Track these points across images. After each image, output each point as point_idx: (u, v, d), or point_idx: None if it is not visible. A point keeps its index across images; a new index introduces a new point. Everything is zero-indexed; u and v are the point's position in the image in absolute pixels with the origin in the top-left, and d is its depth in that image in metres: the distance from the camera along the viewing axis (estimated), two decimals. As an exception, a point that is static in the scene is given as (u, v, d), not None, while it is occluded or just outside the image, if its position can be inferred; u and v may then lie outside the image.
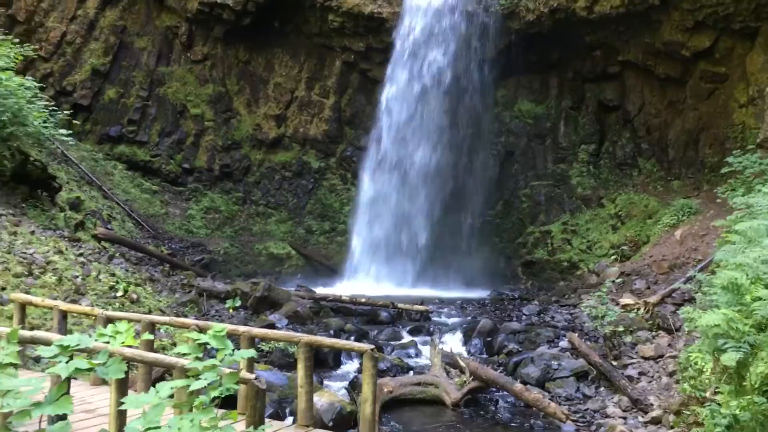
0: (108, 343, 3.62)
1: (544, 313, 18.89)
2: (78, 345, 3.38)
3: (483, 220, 28.43)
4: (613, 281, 16.31)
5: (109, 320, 7.76)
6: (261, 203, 30.23)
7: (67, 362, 3.25)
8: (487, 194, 28.50)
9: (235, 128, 30.85)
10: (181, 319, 8.10)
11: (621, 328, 12.69)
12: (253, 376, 5.01)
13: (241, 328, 7.13)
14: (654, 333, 13.21)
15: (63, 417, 4.47)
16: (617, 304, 15.20)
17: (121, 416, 5.14)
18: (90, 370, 3.34)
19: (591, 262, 24.39)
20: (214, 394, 4.12)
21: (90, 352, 3.77)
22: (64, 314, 8.13)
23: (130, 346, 3.78)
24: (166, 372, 10.78)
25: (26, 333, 5.38)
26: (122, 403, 5.04)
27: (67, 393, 3.19)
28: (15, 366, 3.59)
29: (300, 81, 30.97)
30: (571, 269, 25.34)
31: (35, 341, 5.44)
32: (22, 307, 8.39)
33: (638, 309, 14.20)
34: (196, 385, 4.04)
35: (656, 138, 26.78)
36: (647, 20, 24.49)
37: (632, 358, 12.16)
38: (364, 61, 30.01)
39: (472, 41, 27.85)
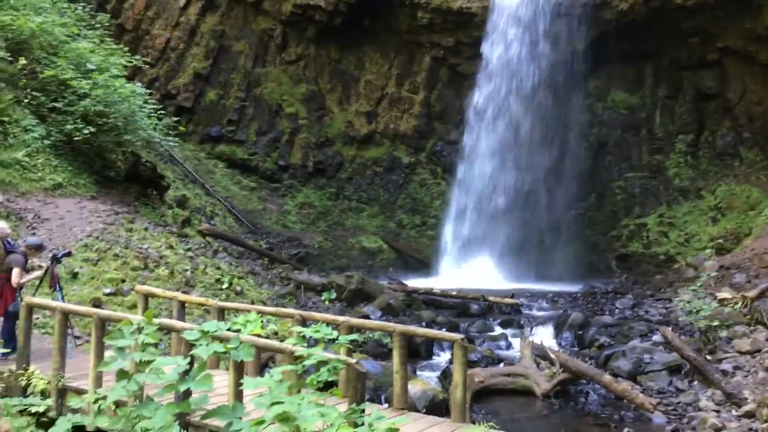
0: (239, 330, 4.20)
1: (637, 307, 18.69)
2: (216, 331, 3.98)
3: (575, 213, 28.15)
4: (710, 275, 15.98)
5: (222, 310, 8.51)
6: (353, 198, 31.03)
7: (207, 345, 3.84)
8: (579, 187, 28.18)
9: (327, 126, 31.78)
10: (285, 310, 8.77)
11: (716, 323, 12.54)
12: (354, 360, 5.53)
13: (341, 318, 7.71)
14: (752, 328, 12.95)
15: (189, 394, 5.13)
16: (714, 298, 14.93)
17: (238, 396, 5.77)
18: (225, 353, 3.93)
19: (689, 255, 23.80)
20: (324, 375, 4.65)
21: (222, 339, 4.35)
22: (182, 304, 8.98)
23: (257, 335, 4.33)
24: (270, 359, 11.58)
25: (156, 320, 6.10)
26: (241, 383, 5.69)
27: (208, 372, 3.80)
28: (155, 345, 4.24)
29: (390, 78, 31.55)
30: (667, 263, 24.80)
31: (163, 327, 6.16)
32: (146, 297, 9.30)
33: (736, 303, 13.92)
34: (309, 362, 4.57)
35: (759, 126, 25.73)
36: (747, 5, 23.57)
37: (727, 352, 12.01)
38: (453, 56, 30.26)
39: (563, 32, 27.61)
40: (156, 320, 6.09)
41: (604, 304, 19.86)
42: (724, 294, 14.77)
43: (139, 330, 4.16)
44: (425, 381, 11.85)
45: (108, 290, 13.40)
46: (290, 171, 31.22)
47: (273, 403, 3.87)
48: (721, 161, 26.24)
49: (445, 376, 12.09)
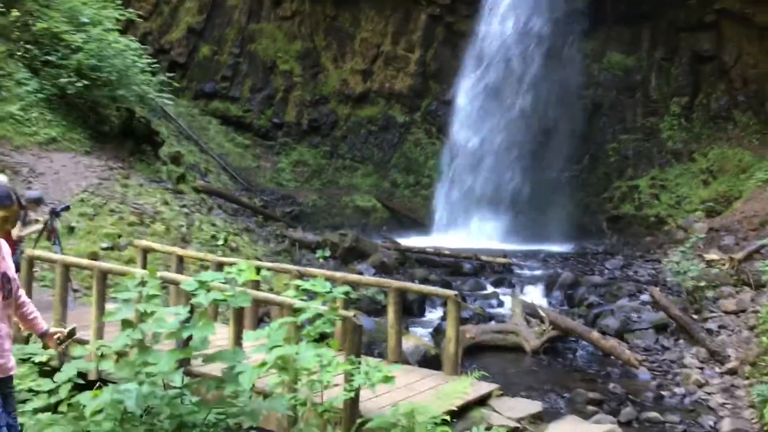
0: (233, 279, 4.34)
1: (627, 268, 18.99)
2: (213, 280, 4.12)
3: (569, 175, 28.28)
4: (699, 237, 16.22)
5: (220, 265, 8.65)
6: (347, 157, 31.04)
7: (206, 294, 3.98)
8: (573, 148, 28.26)
9: (322, 83, 31.60)
10: (283, 265, 8.92)
11: (703, 283, 12.80)
12: (351, 313, 5.70)
13: (338, 274, 7.88)
14: (738, 289, 13.24)
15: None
16: (703, 259, 15.19)
17: (237, 345, 5.94)
18: (223, 300, 4.07)
19: (680, 217, 24.03)
20: (322, 327, 4.81)
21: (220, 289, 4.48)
22: (180, 259, 9.12)
23: (254, 281, 4.46)
24: (265, 314, 11.79)
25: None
26: (241, 334, 5.86)
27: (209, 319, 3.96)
28: (157, 296, 4.38)
29: (386, 36, 31.29)
30: (658, 224, 25.04)
31: (164, 280, 6.30)
32: (144, 252, 9.43)
33: (723, 265, 14.18)
34: (307, 315, 4.73)
35: (753, 90, 25.76)
36: (747, -34, 23.43)
37: (713, 312, 12.30)
38: (450, 15, 30.00)
39: (561, -8, 27.40)
40: (158, 273, 6.24)
41: (595, 265, 20.16)
42: (712, 255, 15.03)
43: (143, 283, 4.29)
44: (418, 337, 12.11)
45: (105, 245, 13.50)
46: (284, 129, 31.14)
47: (272, 347, 4.03)
48: (715, 124, 26.32)
49: (438, 332, 12.36)
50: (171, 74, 24.21)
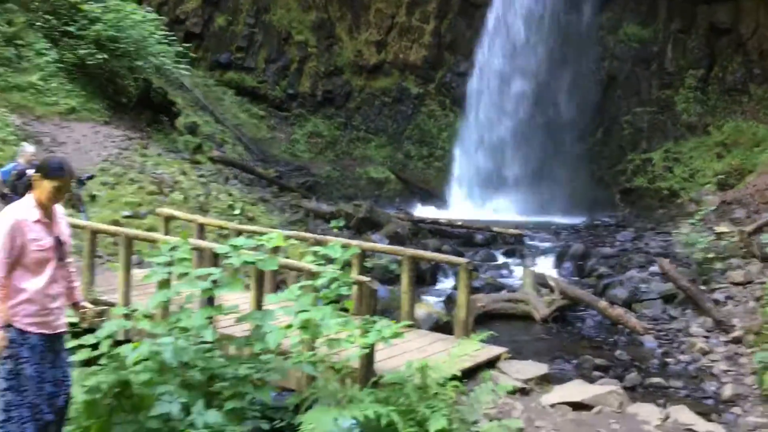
0: (263, 245, 4.64)
1: (638, 240, 19.18)
2: (243, 245, 4.42)
3: (582, 147, 28.31)
4: (710, 209, 16.37)
5: (239, 233, 8.98)
6: (361, 128, 31.17)
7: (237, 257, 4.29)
8: (587, 121, 28.27)
9: (336, 54, 31.63)
10: (303, 233, 9.23)
11: (712, 255, 13.00)
12: (367, 278, 6.00)
13: (353, 242, 8.17)
14: (747, 261, 13.42)
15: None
16: (713, 231, 15.38)
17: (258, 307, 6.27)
18: (252, 263, 4.38)
19: (693, 190, 24.08)
20: (337, 289, 5.11)
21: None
22: (201, 227, 9.45)
23: (278, 247, 4.75)
24: (282, 282, 12.14)
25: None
26: (261, 301, 6.18)
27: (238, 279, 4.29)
28: (189, 260, 4.70)
29: (400, 6, 31.18)
30: (671, 197, 25.11)
31: (194, 246, 6.63)
32: (167, 220, 9.76)
33: (733, 237, 14.36)
34: (324, 279, 5.04)
35: (770, 62, 25.60)
36: (767, -64, 23.14)
37: (721, 283, 12.52)
38: (465, -15, 29.86)
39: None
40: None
41: (606, 237, 20.36)
42: (723, 228, 15.20)
43: (174, 248, 4.60)
44: (430, 305, 12.44)
45: (126, 213, 13.86)
46: (299, 100, 31.28)
47: (299, 311, 4.34)
48: (730, 97, 26.21)
49: (449, 300, 12.68)
50: (187, 45, 24.39)
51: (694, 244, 13.07)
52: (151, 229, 12.82)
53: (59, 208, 4.26)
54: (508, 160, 28.09)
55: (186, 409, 4.14)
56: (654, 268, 14.44)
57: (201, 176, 18.62)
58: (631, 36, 28.63)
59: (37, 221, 4.04)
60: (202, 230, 9.45)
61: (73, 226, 9.41)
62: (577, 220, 24.38)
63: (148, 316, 4.98)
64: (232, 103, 30.46)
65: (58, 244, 4.13)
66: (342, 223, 18.49)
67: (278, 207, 20.38)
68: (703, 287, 12.41)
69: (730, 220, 17.99)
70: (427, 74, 31.02)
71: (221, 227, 10.00)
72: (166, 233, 9.48)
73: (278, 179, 24.87)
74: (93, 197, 14.25)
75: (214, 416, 3.98)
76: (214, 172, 20.36)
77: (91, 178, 11.49)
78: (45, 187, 4.04)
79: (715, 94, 26.61)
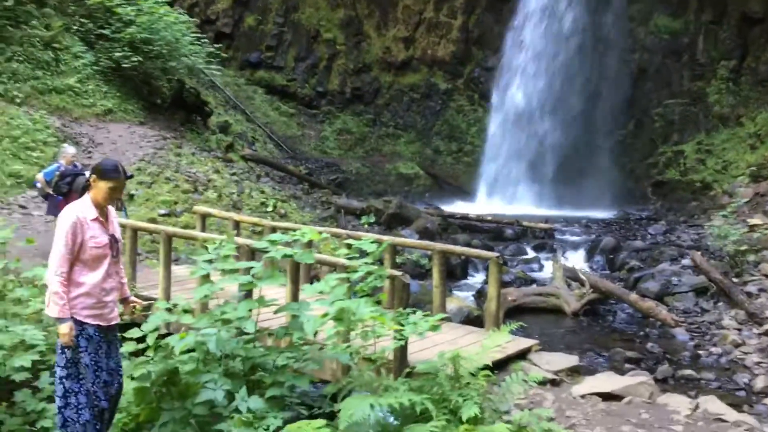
0: (298, 240, 4.84)
1: (670, 233, 19.06)
2: (281, 240, 4.62)
3: (613, 140, 28.14)
4: (743, 201, 16.22)
5: (274, 229, 9.20)
6: (390, 125, 31.34)
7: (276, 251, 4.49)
8: (618, 114, 28.09)
9: (365, 51, 31.82)
10: (335, 230, 9.44)
11: (745, 247, 12.92)
12: (400, 273, 6.17)
13: (385, 237, 8.35)
14: (780, 253, 13.31)
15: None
16: (746, 224, 15.25)
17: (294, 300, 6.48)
18: (290, 256, 4.58)
19: (725, 182, 23.81)
20: (372, 282, 5.29)
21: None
22: (237, 224, 9.70)
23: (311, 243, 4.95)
24: (314, 277, 12.38)
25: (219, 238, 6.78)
26: (297, 294, 6.38)
27: (278, 271, 4.50)
28: (233, 257, 4.91)
29: (428, 2, 31.24)
30: (703, 190, 24.85)
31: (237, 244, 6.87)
32: (203, 218, 10.04)
33: (766, 229, 14.23)
34: (359, 273, 5.22)
35: (805, 52, 25.16)
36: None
37: (754, 276, 12.45)
38: (493, -20, 29.82)
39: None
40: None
41: (637, 230, 20.27)
42: (756, 220, 15.07)
43: (219, 246, 4.83)
44: (461, 299, 12.56)
45: (162, 211, 14.22)
46: (328, 97, 31.54)
47: (334, 301, 4.53)
48: (763, 88, 25.79)
49: (480, 294, 12.80)
50: (218, 45, 24.78)
51: (727, 236, 12.99)
52: (186, 226, 13.16)
53: (111, 208, 4.50)
54: (538, 155, 28.01)
55: (229, 397, 4.36)
56: (686, 261, 14.39)
57: (233, 174, 18.95)
58: (661, 27, 28.34)
59: (95, 219, 4.29)
60: (237, 227, 9.70)
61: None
62: (608, 213, 24.28)
63: (189, 311, 5.22)
64: (263, 102, 30.84)
65: (113, 241, 4.38)
66: (372, 219, 18.64)
67: (309, 204, 20.65)
68: (735, 280, 12.35)
69: (764, 212, 17.80)
70: (456, 70, 31.05)
71: (256, 224, 10.25)
72: (203, 230, 9.75)
73: (309, 176, 25.17)
74: (131, 196, 14.63)
75: (256, 402, 4.19)
76: (246, 170, 20.70)
77: (130, 177, 11.77)
78: (101, 187, 4.29)
79: (747, 84, 26.22)
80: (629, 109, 28.27)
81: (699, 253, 13.64)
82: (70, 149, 11.15)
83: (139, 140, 18.35)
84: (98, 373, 4.23)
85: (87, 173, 10.17)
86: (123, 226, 8.67)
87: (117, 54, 19.49)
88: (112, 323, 4.39)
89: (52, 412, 6.53)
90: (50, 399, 6.71)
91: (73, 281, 4.23)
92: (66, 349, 4.20)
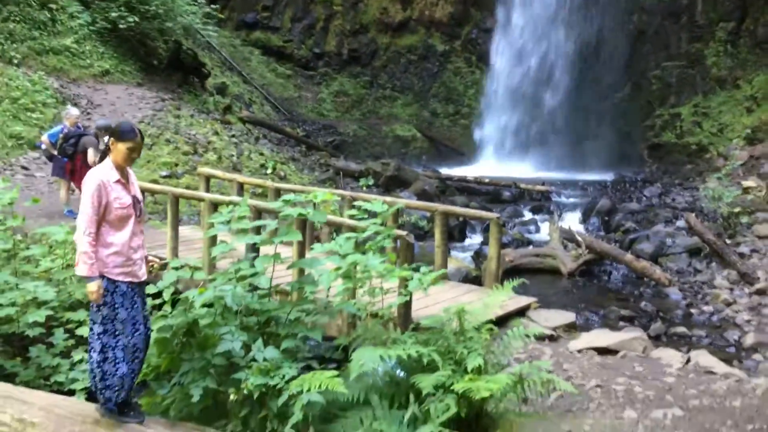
0: (310, 201, 5.03)
1: (665, 195, 19.29)
2: (293, 199, 4.79)
3: (610, 103, 28.17)
4: (738, 164, 16.41)
5: (278, 191, 9.36)
6: (387, 87, 31.26)
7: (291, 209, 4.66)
8: (615, 76, 28.05)
9: (362, 12, 31.57)
10: (337, 190, 9.60)
11: (738, 209, 13.15)
12: (405, 232, 6.36)
13: (387, 198, 8.53)
14: (773, 215, 13.55)
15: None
16: (740, 186, 15.47)
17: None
18: (305, 215, 4.75)
19: (721, 145, 23.96)
20: (381, 241, 5.47)
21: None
22: (241, 185, 9.85)
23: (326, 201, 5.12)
24: (316, 238, 12.58)
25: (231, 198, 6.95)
26: (304, 252, 6.57)
27: (303, 227, 4.70)
28: (247, 218, 5.09)
29: (426, -38, 30.96)
30: (699, 153, 25.01)
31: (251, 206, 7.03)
32: (207, 179, 10.17)
33: (760, 191, 14.45)
34: (367, 233, 5.40)
35: (803, 14, 25.10)
36: None
37: (746, 237, 12.70)
38: (491, -61, 29.49)
39: None
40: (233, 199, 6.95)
41: (633, 192, 20.48)
42: (750, 182, 15.28)
43: (234, 207, 5.00)
44: (460, 260, 12.81)
45: (163, 173, 14.35)
46: (325, 59, 31.40)
47: (345, 255, 4.73)
48: (762, 50, 25.78)
49: (478, 255, 13.03)
50: (213, 5, 24.59)
51: (721, 198, 13.21)
52: (188, 187, 13.29)
53: (131, 171, 4.65)
54: (535, 117, 28.07)
55: (246, 349, 4.58)
56: (680, 223, 14.63)
57: (232, 136, 19.02)
58: (660, -12, 28.16)
59: (117, 182, 4.45)
60: (241, 189, 9.85)
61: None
62: (604, 176, 24.47)
63: (198, 269, 5.41)
64: (259, 63, 30.69)
65: (135, 201, 4.54)
66: (371, 181, 18.87)
67: (308, 166, 20.78)
68: (728, 241, 12.60)
69: (758, 174, 18.00)
70: (453, 31, 30.89)
71: (260, 186, 10.40)
72: (207, 191, 9.89)
73: (306, 138, 25.22)
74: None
75: (272, 353, 4.41)
76: (244, 132, 20.75)
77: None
78: (120, 149, 4.43)
79: (745, 47, 26.20)
80: (627, 71, 28.24)
81: (693, 214, 13.84)
82: (73, 111, 11.23)
83: (138, 102, 18.36)
84: (137, 326, 4.43)
85: (91, 134, 10.28)
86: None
87: (113, 14, 19.38)
88: (142, 279, 4.57)
89: (66, 367, 6.79)
90: (64, 355, 6.98)
91: (103, 242, 4.39)
92: (102, 307, 4.38)
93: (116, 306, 4.38)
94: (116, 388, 4.42)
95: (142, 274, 4.57)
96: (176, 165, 15.03)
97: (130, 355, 4.39)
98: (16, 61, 16.79)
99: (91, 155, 10.09)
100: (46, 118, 15.22)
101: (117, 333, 4.37)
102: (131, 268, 4.46)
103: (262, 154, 18.55)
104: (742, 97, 25.10)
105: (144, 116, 17.26)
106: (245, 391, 4.31)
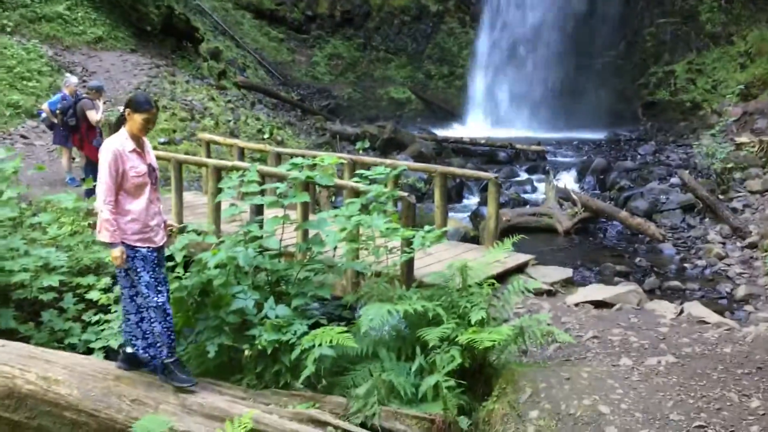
0: (316, 165, 5.18)
1: (659, 153, 19.45)
2: (303, 162, 4.95)
3: (604, 61, 28.14)
4: (731, 120, 16.55)
5: (278, 155, 9.50)
6: (381, 49, 31.09)
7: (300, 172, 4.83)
8: (609, 34, 27.97)
9: (354, -27, 31.26)
10: (339, 154, 9.73)
11: (731, 165, 13.33)
12: (406, 194, 6.52)
13: (387, 161, 8.67)
14: (765, 170, 13.75)
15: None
16: (734, 142, 15.63)
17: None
18: (312, 178, 4.92)
19: (715, 102, 24.06)
20: (385, 206, 5.64)
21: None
22: (241, 150, 9.97)
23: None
24: (315, 203, 12.75)
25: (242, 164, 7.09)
26: (307, 215, 6.74)
27: (306, 190, 4.87)
28: (257, 182, 5.25)
29: None
30: (693, 110, 25.12)
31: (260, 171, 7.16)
32: (208, 144, 10.29)
33: (752, 147, 14.63)
34: (370, 195, 5.57)
35: (799, -32, 24.95)
36: None
37: (739, 192, 12.92)
38: None
39: None
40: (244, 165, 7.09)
41: (627, 151, 20.64)
42: (743, 138, 15.44)
43: (243, 172, 5.16)
44: (457, 220, 13.00)
45: (162, 140, 14.43)
46: (318, 21, 31.14)
47: (352, 216, 4.91)
48: (755, 5, 25.69)
49: (475, 216, 13.23)
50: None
51: (714, 155, 13.39)
52: (186, 154, 13.40)
53: (146, 140, 4.76)
54: (530, 77, 28.04)
55: (258, 306, 4.79)
56: (674, 180, 14.83)
57: (228, 102, 19.02)
58: (655, -57, 27.93)
59: (132, 151, 4.57)
60: (242, 154, 9.97)
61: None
62: (599, 134, 24.60)
63: (207, 233, 5.58)
64: (251, 27, 30.44)
65: (151, 170, 4.66)
66: (367, 144, 18.95)
67: (304, 130, 20.83)
68: (721, 197, 12.82)
69: (752, 130, 18.15)
70: (446, -9, 30.62)
71: (260, 151, 10.51)
72: (208, 157, 10.01)
73: (301, 103, 25.20)
74: (129, 125, 14.77)
75: (283, 310, 4.62)
76: (240, 97, 20.74)
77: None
78: (136, 120, 4.55)
79: (739, 2, 26.09)
80: (621, 29, 28.15)
81: (687, 171, 14.06)
82: (72, 79, 11.28)
83: (132, 68, 18.31)
84: (160, 287, 4.60)
85: (84, 97, 10.32)
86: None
87: (104, -21, 19.20)
88: (160, 245, 4.72)
89: (77, 330, 7.00)
90: (75, 319, 7.18)
91: (121, 210, 4.54)
92: (127, 271, 4.56)
93: (139, 270, 4.55)
94: (158, 345, 4.63)
95: (160, 239, 4.71)
96: (174, 132, 15.10)
97: (161, 314, 4.57)
98: (9, 29, 16.70)
99: (92, 114, 10.20)
100: (42, 86, 15.21)
101: (146, 295, 4.55)
102: (149, 235, 4.61)
103: (258, 119, 18.59)
104: (736, 53, 25.12)
105: (139, 83, 17.25)
106: (259, 347, 4.52)
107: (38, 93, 14.91)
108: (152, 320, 4.58)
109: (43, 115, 11.06)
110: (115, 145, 4.54)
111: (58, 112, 10.71)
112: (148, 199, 4.64)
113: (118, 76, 17.52)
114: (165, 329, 4.58)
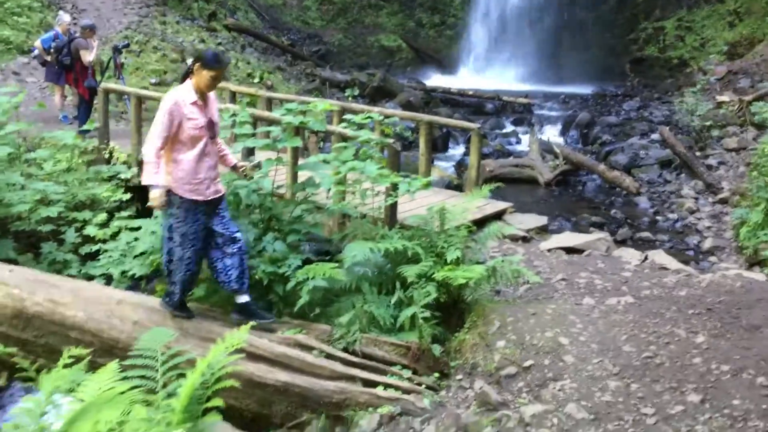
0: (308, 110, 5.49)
1: (643, 109, 19.79)
2: (296, 108, 5.26)
3: (595, 15, 28.16)
4: (714, 79, 16.86)
5: (269, 100, 9.74)
6: (373, -5, 30.86)
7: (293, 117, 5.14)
8: (601, -13, 27.98)
9: None
10: (329, 101, 9.98)
11: (710, 123, 13.70)
12: (392, 141, 6.84)
13: (375, 108, 8.96)
14: (743, 129, 14.14)
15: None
16: (715, 100, 15.97)
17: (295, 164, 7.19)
18: (305, 124, 5.23)
19: (702, 60, 24.25)
20: (374, 150, 5.98)
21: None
22: (233, 94, 10.19)
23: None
24: (304, 148, 13.02)
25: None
26: (297, 160, 7.05)
27: (297, 135, 5.20)
28: (249, 123, 5.55)
29: None
30: (680, 67, 25.35)
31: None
32: (200, 87, 10.47)
33: (733, 106, 14.98)
34: (359, 141, 5.90)
35: (793, -74, 24.89)
36: None
37: (716, 149, 13.33)
38: None
39: None
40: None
41: (613, 106, 20.95)
42: (724, 97, 15.78)
43: (234, 114, 5.45)
44: (442, 169, 13.37)
45: (153, 80, 14.55)
46: (310, -36, 30.78)
47: (346, 161, 5.24)
48: (748, -37, 25.74)
49: (460, 165, 13.61)
50: None
51: (695, 112, 13.74)
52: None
53: (212, 93, 4.90)
54: (520, 29, 28.06)
55: (257, 240, 5.17)
56: (655, 136, 15.22)
57: (219, 44, 19.05)
58: None
59: (194, 103, 4.67)
60: (233, 97, 10.20)
61: (118, 93, 10.21)
62: (586, 89, 24.82)
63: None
64: (242, -33, 30.03)
65: (210, 124, 4.80)
66: (356, 91, 19.10)
67: (294, 76, 20.91)
68: (698, 153, 13.23)
69: (734, 89, 18.46)
70: (441, -63, 30.28)
71: (251, 95, 10.73)
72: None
73: (292, 47, 25.16)
74: (121, 65, 14.85)
75: (280, 245, 5.00)
76: (230, 39, 20.72)
77: (126, 46, 12.11)
78: (203, 75, 4.65)
79: (732, -41, 26.09)
80: (612, -17, 28.12)
81: (668, 128, 14.42)
82: (65, 17, 11.36)
83: (123, 7, 18.26)
84: (195, 241, 4.80)
85: (78, 37, 10.41)
86: (128, 94, 9.16)
87: None
88: (210, 198, 4.81)
89: (76, 262, 7.36)
90: (73, 252, 7.54)
91: (173, 158, 4.70)
92: (170, 216, 4.78)
93: (180, 218, 4.75)
94: (179, 287, 4.93)
95: (210, 193, 4.80)
96: (165, 72, 15.20)
97: (184, 266, 4.84)
98: (-3, -36, 16.52)
99: (85, 56, 10.33)
100: (33, 22, 15.21)
101: (177, 243, 4.80)
102: (197, 187, 4.72)
103: (248, 62, 18.66)
104: (725, 12, 25.24)
105: (130, 22, 17.24)
106: (256, 277, 4.91)
107: (29, 29, 14.91)
108: (189, 262, 4.82)
109: (36, 51, 11.17)
110: (175, 96, 4.64)
111: (51, 50, 10.83)
112: (201, 151, 4.71)
113: (108, 15, 17.48)
114: (181, 279, 4.86)
